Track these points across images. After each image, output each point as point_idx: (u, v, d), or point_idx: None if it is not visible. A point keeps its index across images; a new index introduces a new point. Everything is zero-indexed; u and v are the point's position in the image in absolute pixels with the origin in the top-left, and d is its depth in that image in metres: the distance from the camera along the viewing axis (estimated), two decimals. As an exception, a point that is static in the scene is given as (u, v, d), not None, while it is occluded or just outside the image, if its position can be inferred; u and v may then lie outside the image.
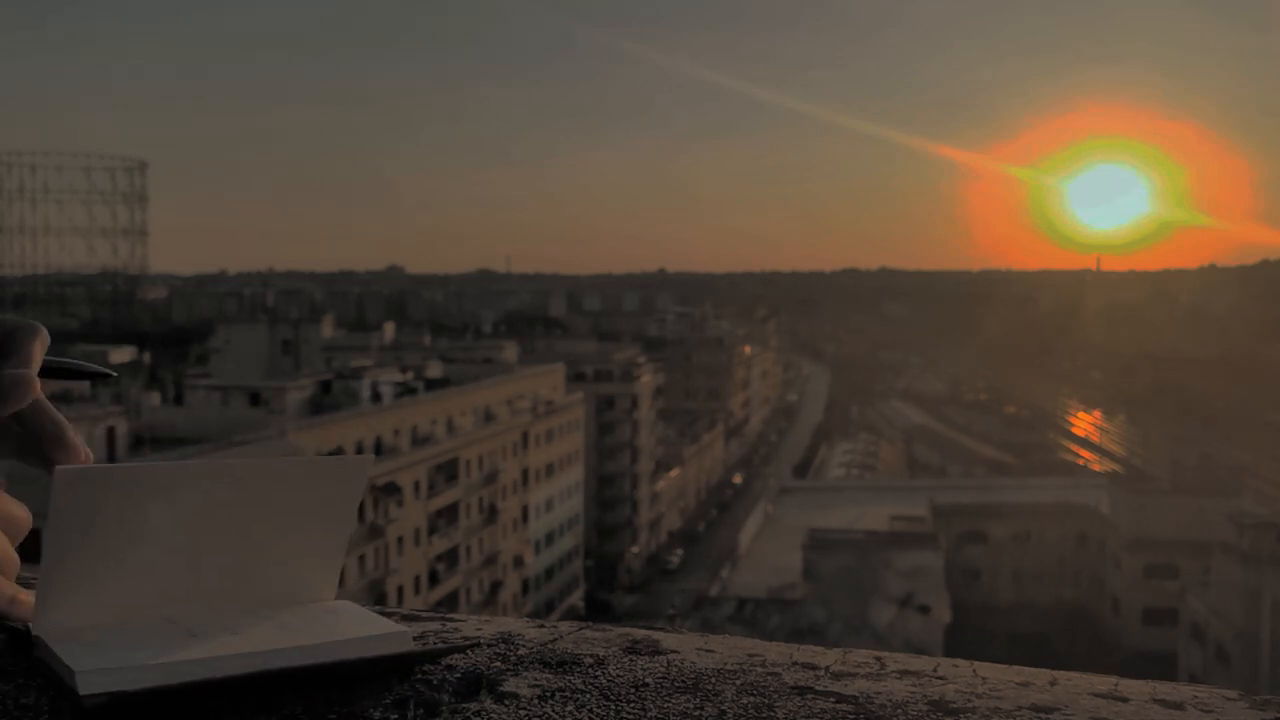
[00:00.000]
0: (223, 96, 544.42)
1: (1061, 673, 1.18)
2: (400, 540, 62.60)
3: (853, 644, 1.41)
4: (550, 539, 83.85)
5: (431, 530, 66.25)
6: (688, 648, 1.25)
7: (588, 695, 1.10)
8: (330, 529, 1.26)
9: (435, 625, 1.33)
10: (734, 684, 1.13)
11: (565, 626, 1.32)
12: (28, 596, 1.17)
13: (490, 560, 74.35)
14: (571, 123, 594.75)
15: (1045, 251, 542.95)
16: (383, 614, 1.25)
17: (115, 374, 1.41)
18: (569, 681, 1.14)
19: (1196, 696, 1.12)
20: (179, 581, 1.17)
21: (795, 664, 1.20)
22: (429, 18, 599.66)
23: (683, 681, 1.14)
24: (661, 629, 1.33)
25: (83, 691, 1.02)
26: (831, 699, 1.09)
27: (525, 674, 1.16)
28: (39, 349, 1.15)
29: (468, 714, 1.06)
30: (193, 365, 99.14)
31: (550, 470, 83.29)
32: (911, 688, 1.13)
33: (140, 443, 52.38)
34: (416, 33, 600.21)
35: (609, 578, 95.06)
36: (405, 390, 69.63)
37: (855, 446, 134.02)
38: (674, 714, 1.06)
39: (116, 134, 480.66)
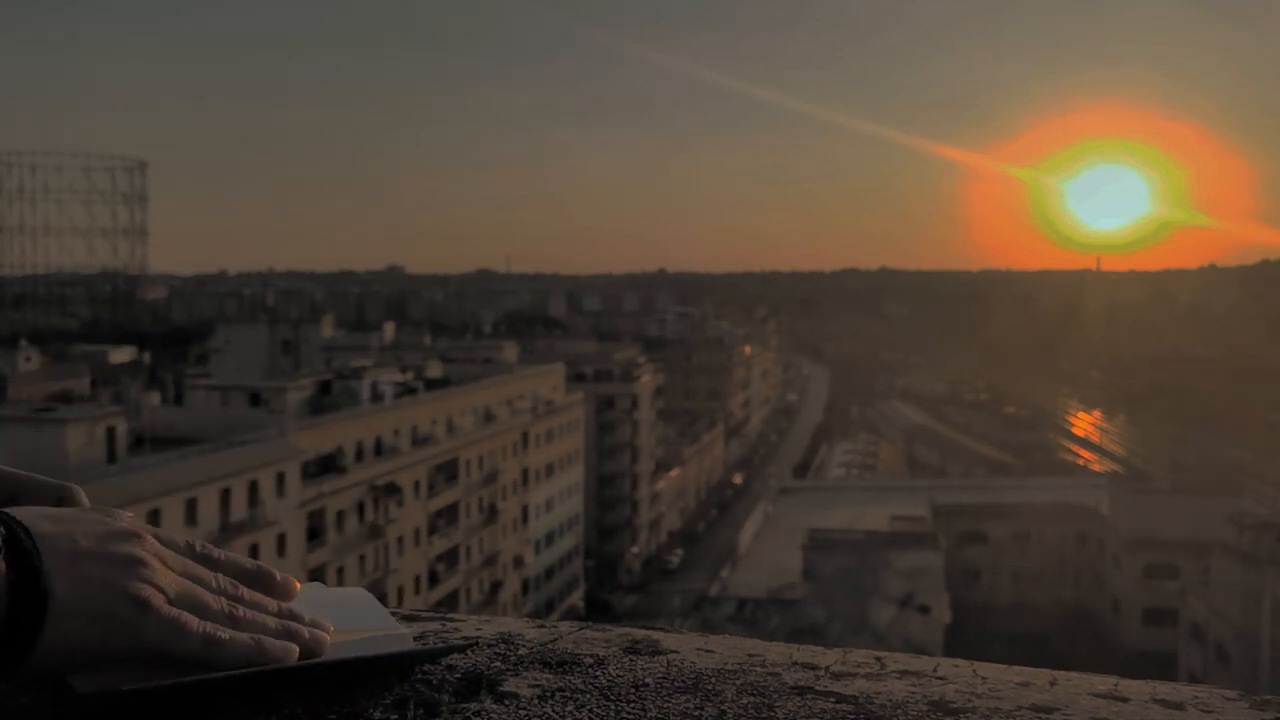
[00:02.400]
0: (223, 96, 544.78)
1: (1061, 673, 1.19)
2: (400, 540, 62.58)
3: (853, 644, 1.42)
4: (550, 539, 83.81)
5: (431, 530, 66.21)
6: (688, 648, 1.26)
7: (588, 695, 1.11)
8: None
9: (435, 625, 1.34)
10: (734, 684, 1.14)
11: (565, 626, 1.32)
12: (231, 636, 1.12)
13: (490, 560, 74.32)
14: (571, 122, 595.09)
15: (1045, 251, 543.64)
16: None
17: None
18: (569, 681, 1.14)
19: (1196, 696, 1.13)
20: None
21: (795, 664, 1.20)
22: (429, 18, 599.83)
23: (683, 681, 1.14)
24: (661, 629, 1.33)
25: (81, 690, 1.03)
26: (831, 699, 1.10)
27: (525, 674, 1.16)
28: None
29: (468, 714, 1.06)
30: (193, 365, 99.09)
31: (550, 470, 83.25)
32: (911, 688, 1.13)
33: (140, 443, 52.36)
34: (417, 33, 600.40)
35: (609, 578, 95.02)
36: (405, 390, 69.57)
37: (855, 446, 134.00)
38: (674, 714, 1.06)
39: (116, 134, 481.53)
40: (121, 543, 1.09)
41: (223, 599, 1.15)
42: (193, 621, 1.09)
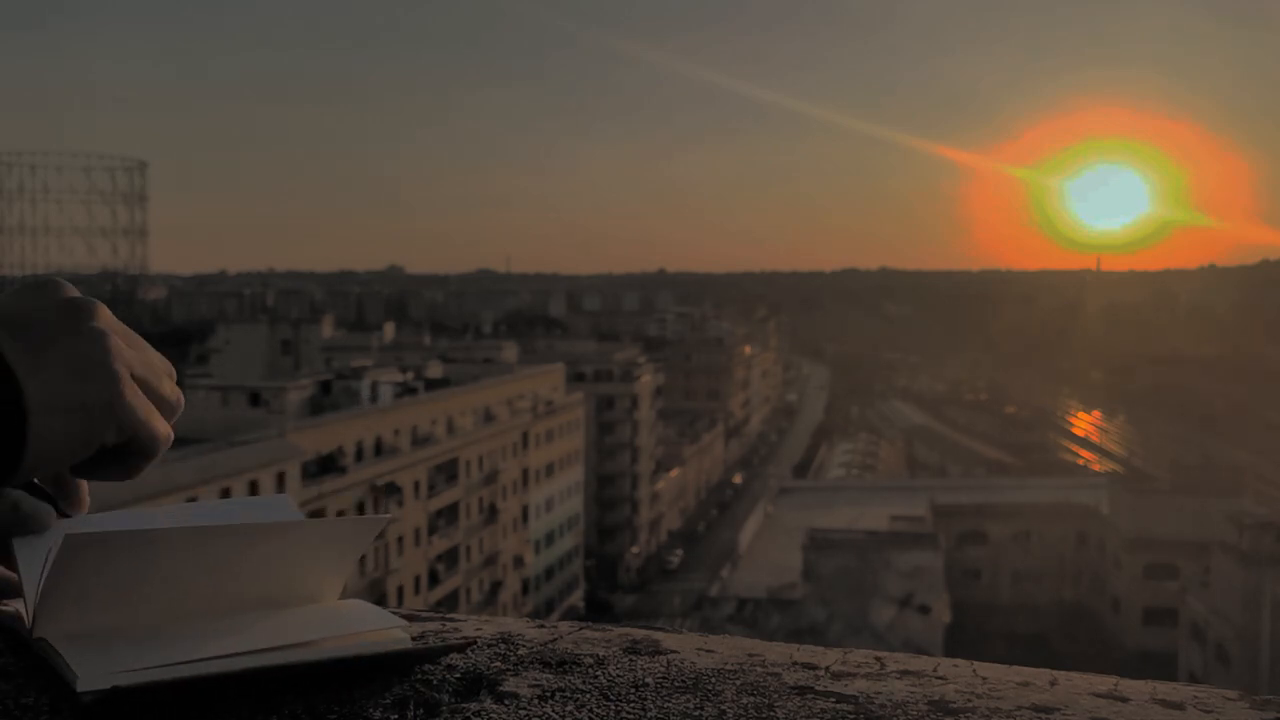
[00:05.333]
0: (223, 96, 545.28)
1: (1061, 673, 1.18)
2: (400, 540, 62.60)
3: (853, 644, 1.42)
4: (550, 539, 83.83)
5: (431, 530, 66.25)
6: (688, 648, 1.25)
7: (588, 695, 1.10)
8: (333, 573, 1.25)
9: (435, 625, 1.33)
10: (734, 684, 1.13)
11: (565, 626, 1.31)
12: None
13: (490, 560, 74.34)
14: (571, 122, 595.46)
15: (1045, 251, 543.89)
16: None
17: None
18: (569, 681, 1.13)
19: (1196, 696, 1.12)
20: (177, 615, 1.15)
21: (795, 664, 1.20)
22: (429, 18, 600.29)
23: (683, 681, 1.13)
24: (661, 629, 1.32)
25: (81, 688, 1.02)
26: (831, 699, 1.09)
27: (525, 674, 1.16)
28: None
29: (468, 714, 1.06)
30: (193, 365, 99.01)
31: (550, 470, 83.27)
32: (911, 688, 1.13)
33: (140, 443, 52.31)
34: (416, 33, 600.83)
35: (609, 578, 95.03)
36: (405, 390, 69.58)
37: (855, 446, 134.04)
38: (674, 714, 1.06)
39: (116, 134, 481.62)
40: (85, 318, 1.06)
41: (159, 368, 1.13)
42: (146, 405, 1.08)
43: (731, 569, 74.34)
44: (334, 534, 1.23)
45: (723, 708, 1.06)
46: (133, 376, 1.07)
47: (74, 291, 1.10)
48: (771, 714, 1.05)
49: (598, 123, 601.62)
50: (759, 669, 1.18)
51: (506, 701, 1.08)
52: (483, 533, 73.13)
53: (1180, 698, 1.11)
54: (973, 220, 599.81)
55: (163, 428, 1.09)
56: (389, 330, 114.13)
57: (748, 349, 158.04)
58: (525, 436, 78.65)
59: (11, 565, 1.14)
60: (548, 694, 1.10)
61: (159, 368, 1.12)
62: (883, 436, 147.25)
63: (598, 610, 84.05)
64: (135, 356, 1.08)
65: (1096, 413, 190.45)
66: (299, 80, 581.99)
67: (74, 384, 1.02)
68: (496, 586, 75.17)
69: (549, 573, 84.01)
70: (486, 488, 73.27)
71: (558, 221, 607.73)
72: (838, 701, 1.09)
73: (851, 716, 1.05)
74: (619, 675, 1.15)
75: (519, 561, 78.44)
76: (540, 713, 1.06)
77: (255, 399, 62.42)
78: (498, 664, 1.18)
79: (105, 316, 1.08)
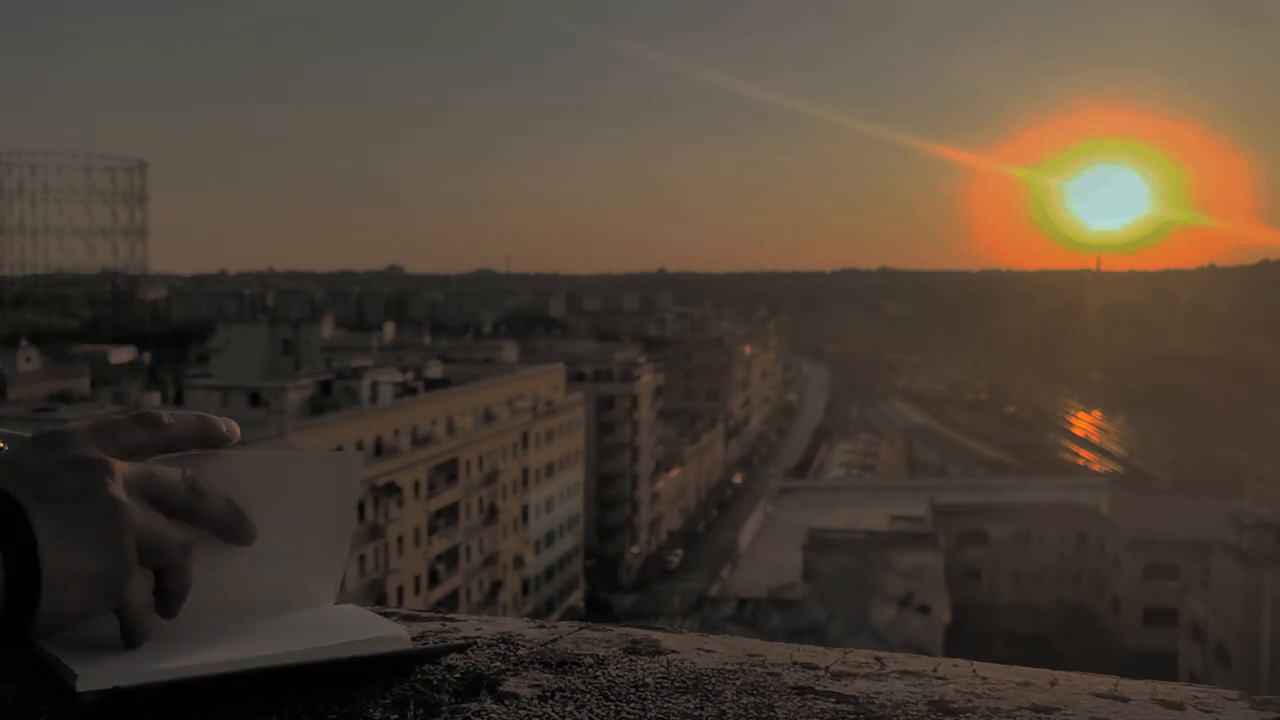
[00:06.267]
0: (223, 96, 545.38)
1: (1061, 673, 1.18)
2: (400, 540, 62.60)
3: (853, 644, 1.42)
4: (550, 539, 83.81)
5: (431, 530, 66.23)
6: (688, 648, 1.25)
7: (588, 695, 1.10)
8: (327, 530, 1.23)
9: (435, 625, 1.33)
10: (734, 684, 1.13)
11: (565, 626, 1.31)
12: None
13: (490, 560, 74.33)
14: (571, 122, 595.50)
15: (1045, 251, 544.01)
16: (382, 614, 1.25)
17: None
18: (569, 681, 1.13)
19: (1196, 696, 1.12)
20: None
21: (795, 664, 1.20)
22: (429, 18, 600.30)
23: (683, 681, 1.14)
24: (661, 629, 1.32)
25: (81, 689, 1.02)
26: (831, 699, 1.09)
27: (525, 674, 1.15)
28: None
29: (468, 714, 1.06)
30: (193, 365, 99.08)
31: (550, 470, 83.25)
32: (911, 688, 1.13)
33: (140, 443, 52.27)
34: (416, 33, 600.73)
35: (609, 578, 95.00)
36: (405, 390, 69.57)
37: (855, 446, 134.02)
38: (674, 714, 1.06)
39: (116, 134, 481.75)
40: (101, 484, 1.06)
41: (175, 545, 1.11)
42: (143, 599, 1.09)
43: (731, 569, 74.37)
44: (315, 467, 1.21)
45: (723, 708, 1.06)
46: (143, 545, 1.07)
47: (89, 450, 1.09)
48: (771, 714, 1.05)
49: (598, 123, 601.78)
50: (759, 669, 1.17)
51: (506, 702, 1.08)
52: (483, 533, 73.12)
53: (1180, 698, 1.11)
54: (973, 220, 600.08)
55: (146, 630, 1.10)
56: (389, 330, 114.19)
57: (748, 349, 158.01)
58: (525, 436, 78.64)
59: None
60: (548, 694, 1.10)
61: (177, 503, 1.12)
62: (883, 436, 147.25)
63: (598, 610, 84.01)
64: (146, 523, 1.08)
65: (1096, 413, 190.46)
66: (299, 80, 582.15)
67: (88, 558, 1.04)
68: (496, 586, 75.16)
69: (549, 573, 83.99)
70: (486, 488, 73.26)
71: (558, 221, 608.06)
72: (838, 701, 1.08)
73: (851, 716, 1.05)
74: (619, 675, 1.15)
75: (519, 561, 78.43)
76: (540, 713, 1.05)
77: (255, 399, 62.46)
78: (498, 664, 1.18)
79: (119, 477, 1.08)
